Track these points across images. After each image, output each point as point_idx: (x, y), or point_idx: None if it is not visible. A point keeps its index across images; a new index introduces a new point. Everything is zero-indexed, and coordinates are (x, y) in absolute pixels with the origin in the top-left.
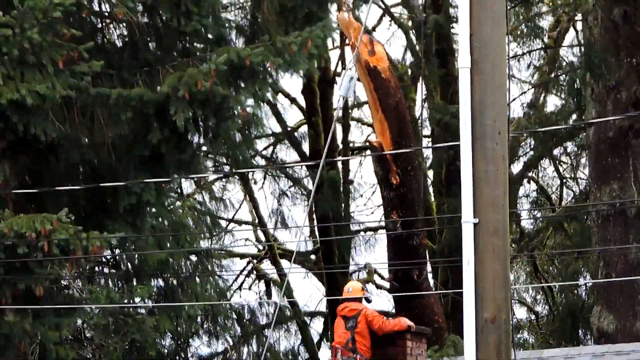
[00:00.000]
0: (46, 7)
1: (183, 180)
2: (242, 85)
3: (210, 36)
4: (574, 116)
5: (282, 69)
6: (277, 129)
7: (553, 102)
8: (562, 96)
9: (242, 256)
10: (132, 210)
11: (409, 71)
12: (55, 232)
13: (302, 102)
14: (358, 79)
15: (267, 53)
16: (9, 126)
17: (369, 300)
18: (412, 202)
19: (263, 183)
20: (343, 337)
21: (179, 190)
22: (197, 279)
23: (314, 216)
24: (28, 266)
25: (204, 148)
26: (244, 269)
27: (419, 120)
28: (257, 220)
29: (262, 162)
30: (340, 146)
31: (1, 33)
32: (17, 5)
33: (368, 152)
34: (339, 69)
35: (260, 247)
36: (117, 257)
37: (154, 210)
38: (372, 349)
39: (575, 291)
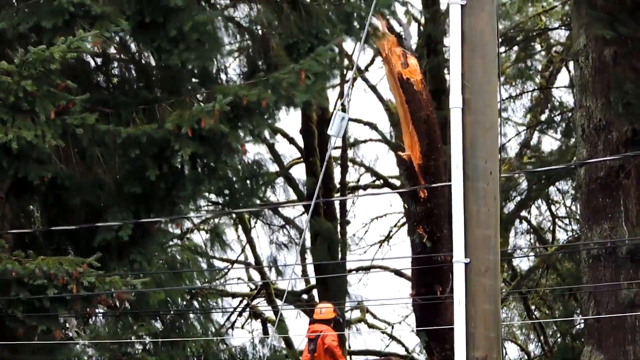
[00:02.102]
0: (45, 58)
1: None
2: (240, 123)
3: (208, 73)
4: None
5: (278, 104)
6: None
7: (548, 142)
8: (558, 136)
9: (234, 295)
10: (126, 248)
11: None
12: (84, 275)
13: (301, 142)
14: (350, 119)
15: (262, 90)
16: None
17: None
18: (439, 218)
19: (255, 222)
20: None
21: (174, 230)
22: (194, 320)
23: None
24: (49, 308)
25: (203, 187)
26: (237, 307)
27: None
28: (252, 260)
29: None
30: (338, 186)
31: (1, 80)
32: (19, 56)
33: (361, 191)
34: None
35: (253, 287)
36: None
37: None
38: None
39: (568, 331)
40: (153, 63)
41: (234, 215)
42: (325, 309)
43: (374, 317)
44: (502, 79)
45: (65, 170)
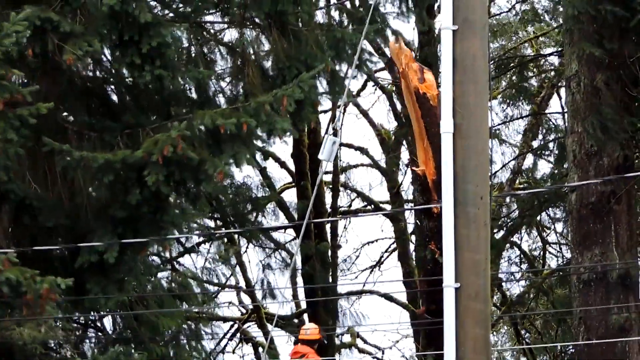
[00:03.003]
0: None
1: (168, 242)
2: (222, 148)
3: (192, 97)
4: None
5: (259, 130)
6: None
7: (541, 168)
8: (551, 160)
9: (225, 319)
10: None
11: (393, 136)
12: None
13: (292, 166)
14: (341, 144)
15: (243, 115)
16: None
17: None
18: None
19: (247, 247)
20: None
21: (164, 253)
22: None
23: (299, 280)
24: None
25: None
26: (228, 331)
27: (401, 184)
28: (243, 284)
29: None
30: (329, 210)
31: None
32: None
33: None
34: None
35: (244, 311)
36: (103, 320)
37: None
38: None
39: (558, 356)
40: (142, 87)
41: (224, 239)
42: (310, 330)
43: (365, 342)
44: (495, 103)
45: (38, 192)
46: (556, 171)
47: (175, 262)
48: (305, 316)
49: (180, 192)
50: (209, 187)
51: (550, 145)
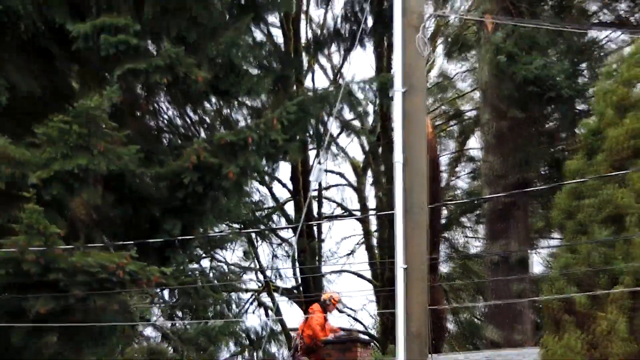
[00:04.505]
0: (88, 108)
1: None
2: (233, 156)
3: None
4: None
5: (263, 142)
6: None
7: (462, 185)
8: (468, 180)
9: (247, 290)
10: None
11: (361, 164)
12: (128, 265)
13: (290, 186)
14: (325, 170)
15: (246, 131)
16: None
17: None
18: (434, 232)
19: (258, 241)
20: (300, 327)
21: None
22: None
23: (297, 263)
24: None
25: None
26: (249, 299)
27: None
28: (258, 266)
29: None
30: (317, 216)
31: (60, 127)
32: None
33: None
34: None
35: (260, 285)
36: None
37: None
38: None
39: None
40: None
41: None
42: (328, 296)
43: (344, 305)
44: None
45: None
46: (473, 188)
47: (213, 253)
48: (301, 288)
49: (214, 192)
50: (227, 183)
51: (468, 169)
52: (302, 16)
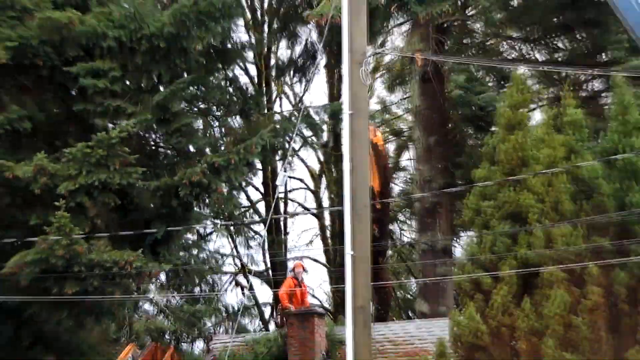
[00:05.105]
0: (107, 138)
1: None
2: (222, 174)
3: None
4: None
5: (241, 163)
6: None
7: (397, 188)
8: (402, 185)
9: (226, 273)
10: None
11: (317, 173)
12: (135, 262)
13: (262, 189)
14: (289, 177)
15: (231, 154)
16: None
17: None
18: (382, 220)
19: (235, 234)
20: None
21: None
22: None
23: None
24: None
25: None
26: (227, 280)
27: (322, 197)
28: (235, 253)
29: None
30: (283, 213)
31: (83, 151)
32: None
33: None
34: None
35: (237, 268)
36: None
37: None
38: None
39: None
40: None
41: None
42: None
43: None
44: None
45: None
46: (407, 191)
47: (202, 242)
48: (270, 271)
49: (200, 201)
50: (215, 195)
51: (403, 175)
52: (272, 55)
